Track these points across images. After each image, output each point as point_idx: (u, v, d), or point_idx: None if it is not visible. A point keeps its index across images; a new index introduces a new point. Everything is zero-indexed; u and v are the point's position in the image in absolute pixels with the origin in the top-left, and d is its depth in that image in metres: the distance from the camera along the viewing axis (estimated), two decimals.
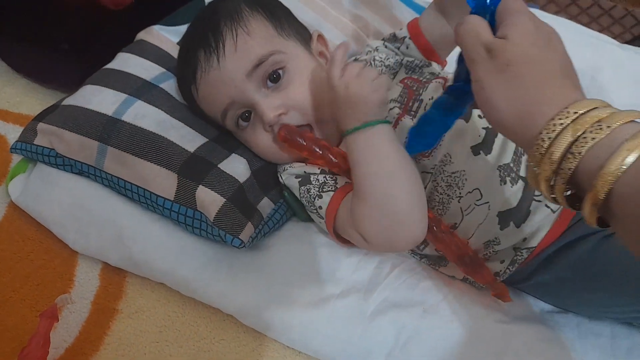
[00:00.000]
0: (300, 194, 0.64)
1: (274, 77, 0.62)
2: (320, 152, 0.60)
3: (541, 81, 0.39)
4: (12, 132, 0.82)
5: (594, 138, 0.35)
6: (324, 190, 0.61)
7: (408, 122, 0.61)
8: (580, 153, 0.35)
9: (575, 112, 0.36)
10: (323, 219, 0.62)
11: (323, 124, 0.63)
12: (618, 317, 0.61)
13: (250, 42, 0.62)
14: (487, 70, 0.41)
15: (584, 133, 0.35)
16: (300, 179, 0.64)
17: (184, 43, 0.69)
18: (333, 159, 0.60)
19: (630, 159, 0.32)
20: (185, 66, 0.65)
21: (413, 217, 0.55)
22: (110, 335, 0.63)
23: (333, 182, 0.62)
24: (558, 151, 0.36)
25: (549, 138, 0.37)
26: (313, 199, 0.62)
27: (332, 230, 0.61)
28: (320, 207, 0.62)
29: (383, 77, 0.57)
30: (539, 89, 0.39)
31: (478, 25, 0.43)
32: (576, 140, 0.35)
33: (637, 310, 0.58)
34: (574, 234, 0.58)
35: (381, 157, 0.54)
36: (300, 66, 0.64)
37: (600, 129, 0.35)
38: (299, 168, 0.65)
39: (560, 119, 0.37)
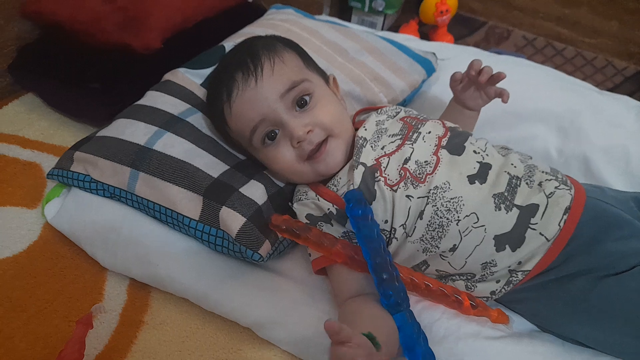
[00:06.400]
0: None
1: (301, 103, 0.70)
2: (314, 240, 0.66)
3: None
4: (46, 161, 0.90)
5: None
6: None
7: (408, 149, 0.69)
8: None
9: None
10: (309, 257, 0.70)
11: (336, 139, 0.71)
12: (599, 350, 0.65)
13: (285, 69, 0.70)
14: None
15: None
16: (308, 222, 0.70)
17: (220, 68, 0.77)
18: (324, 243, 0.66)
19: None
20: (220, 86, 0.72)
21: None
22: (137, 345, 0.68)
23: (331, 241, 0.66)
24: None
25: None
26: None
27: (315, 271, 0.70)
28: (310, 255, 0.70)
29: None
30: None
31: None
32: None
33: (618, 350, 0.63)
34: (573, 267, 0.63)
35: None
36: (324, 94, 0.72)
37: None
38: (311, 206, 0.71)
39: None
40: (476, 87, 0.79)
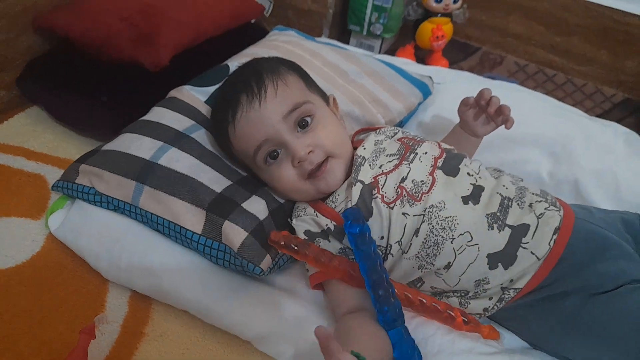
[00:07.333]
0: None
1: (303, 124, 0.72)
2: (312, 256, 0.68)
3: None
4: (51, 173, 0.92)
5: None
6: None
7: (404, 169, 0.71)
8: None
9: None
10: (307, 272, 0.73)
11: (336, 159, 0.74)
12: None
13: (288, 91, 0.73)
14: None
15: None
16: (307, 238, 0.72)
17: (225, 89, 0.80)
18: (321, 259, 0.68)
19: None
20: (225, 107, 0.75)
21: None
22: (137, 356, 0.69)
23: (328, 257, 0.69)
24: None
25: None
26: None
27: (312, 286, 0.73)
28: (308, 270, 0.72)
29: None
30: None
31: None
32: None
33: None
34: (563, 286, 0.65)
35: None
36: (324, 116, 0.75)
37: None
38: (310, 222, 0.73)
39: None
40: (485, 114, 0.84)
